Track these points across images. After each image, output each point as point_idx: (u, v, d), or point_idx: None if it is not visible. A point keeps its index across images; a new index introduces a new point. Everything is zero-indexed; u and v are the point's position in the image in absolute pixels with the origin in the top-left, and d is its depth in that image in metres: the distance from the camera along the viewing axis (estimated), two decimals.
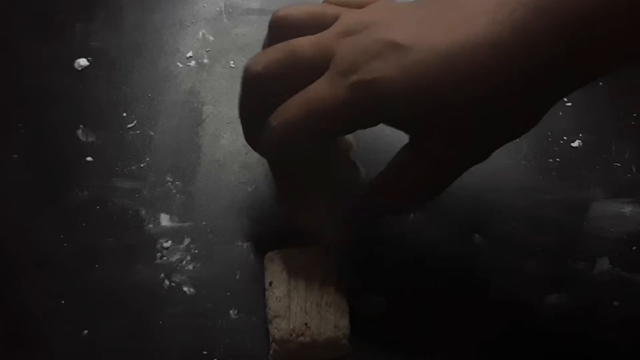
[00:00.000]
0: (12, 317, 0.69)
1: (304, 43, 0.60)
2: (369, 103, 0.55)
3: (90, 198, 0.76)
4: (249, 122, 0.68)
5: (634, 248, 0.74)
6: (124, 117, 0.81)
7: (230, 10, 0.91)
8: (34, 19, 0.89)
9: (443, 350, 0.68)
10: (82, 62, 0.85)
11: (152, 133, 0.80)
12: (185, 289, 0.71)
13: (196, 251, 0.73)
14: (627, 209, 0.76)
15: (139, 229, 0.74)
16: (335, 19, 0.60)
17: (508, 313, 0.70)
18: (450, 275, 0.72)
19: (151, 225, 0.74)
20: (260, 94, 0.64)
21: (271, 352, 0.66)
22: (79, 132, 0.80)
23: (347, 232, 0.68)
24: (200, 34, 0.88)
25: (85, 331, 0.68)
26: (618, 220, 0.76)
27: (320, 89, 0.58)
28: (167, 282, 0.71)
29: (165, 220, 0.75)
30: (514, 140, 0.57)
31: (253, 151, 0.73)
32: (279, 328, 0.65)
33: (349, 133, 0.69)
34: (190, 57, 0.86)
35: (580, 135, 0.81)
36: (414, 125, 0.58)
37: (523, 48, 0.50)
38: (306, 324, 0.65)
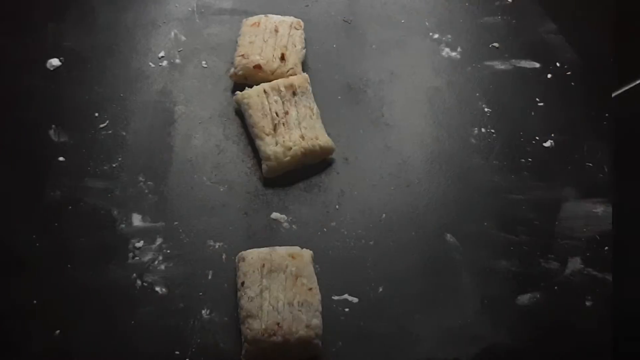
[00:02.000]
0: None
1: None
2: None
3: (62, 198, 0.75)
4: None
5: (606, 248, 0.74)
6: (96, 117, 0.81)
7: (202, 10, 0.91)
8: (6, 19, 0.89)
9: (415, 349, 0.68)
10: (55, 62, 0.85)
11: (124, 133, 0.80)
12: (157, 288, 0.70)
13: (168, 251, 0.73)
14: (599, 209, 0.77)
15: (111, 229, 0.74)
16: None
17: (481, 313, 0.70)
18: (422, 275, 0.72)
19: (123, 225, 0.74)
20: None
21: (243, 351, 0.66)
22: (51, 132, 0.80)
23: None
24: (172, 33, 0.88)
25: (57, 331, 0.68)
26: (590, 220, 0.77)
27: None
28: (139, 282, 0.71)
29: (137, 220, 0.74)
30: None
31: (225, 151, 0.72)
32: (251, 328, 0.65)
33: None
34: (162, 57, 0.86)
35: (552, 135, 0.82)
36: None
37: None
38: (278, 324, 0.65)
